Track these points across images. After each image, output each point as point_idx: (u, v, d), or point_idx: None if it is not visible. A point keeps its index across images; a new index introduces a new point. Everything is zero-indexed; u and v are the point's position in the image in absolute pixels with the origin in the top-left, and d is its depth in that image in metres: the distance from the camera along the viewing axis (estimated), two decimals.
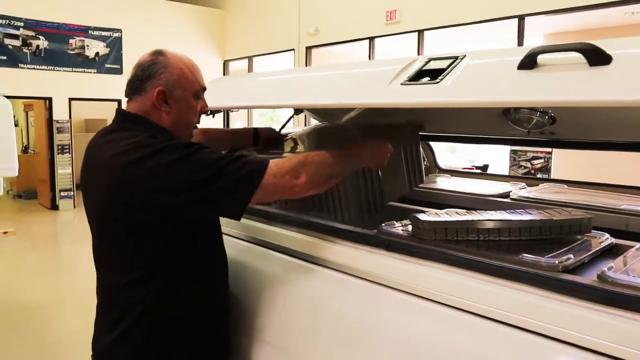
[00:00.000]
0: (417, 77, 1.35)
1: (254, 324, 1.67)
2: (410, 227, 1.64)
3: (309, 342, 1.52)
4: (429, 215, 1.62)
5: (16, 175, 4.78)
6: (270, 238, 1.75)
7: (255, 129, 2.08)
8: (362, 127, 1.99)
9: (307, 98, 1.69)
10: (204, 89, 1.60)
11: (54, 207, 10.41)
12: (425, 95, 1.28)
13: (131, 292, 1.46)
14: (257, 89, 2.02)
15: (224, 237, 1.68)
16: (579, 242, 1.53)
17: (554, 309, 1.09)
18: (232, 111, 2.18)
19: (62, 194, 10.43)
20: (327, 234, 1.61)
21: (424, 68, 1.37)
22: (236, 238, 1.86)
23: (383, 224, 1.71)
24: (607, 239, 1.56)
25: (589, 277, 1.22)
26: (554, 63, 1.08)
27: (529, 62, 1.10)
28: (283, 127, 2.56)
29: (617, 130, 1.85)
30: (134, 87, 1.52)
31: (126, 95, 1.55)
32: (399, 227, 1.69)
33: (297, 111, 2.52)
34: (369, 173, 1.86)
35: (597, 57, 0.99)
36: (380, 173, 1.93)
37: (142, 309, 1.45)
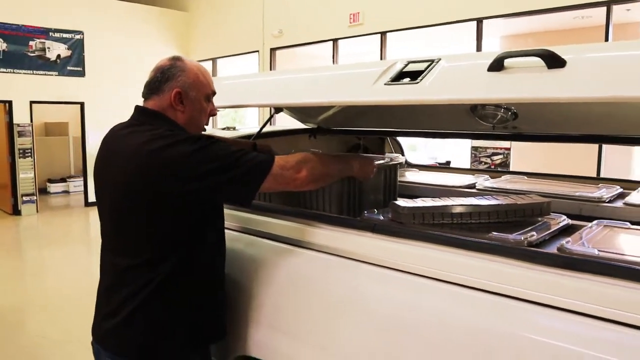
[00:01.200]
0: (398, 77, 1.53)
1: (252, 306, 1.81)
2: (390, 214, 1.82)
3: (306, 318, 1.67)
4: (407, 202, 1.80)
5: None
6: (266, 228, 1.89)
7: (255, 144, 2.21)
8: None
9: (297, 97, 1.84)
10: (214, 93, 1.77)
11: (16, 212, 10.22)
12: (406, 94, 1.45)
13: (141, 273, 1.57)
14: (244, 89, 2.16)
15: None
16: (540, 223, 1.73)
17: (525, 275, 1.26)
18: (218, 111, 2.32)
19: (25, 198, 10.24)
20: (317, 221, 1.77)
21: (404, 70, 1.54)
22: (234, 230, 1.99)
23: (365, 212, 1.88)
24: (564, 220, 1.78)
25: (550, 250, 1.42)
26: (518, 66, 1.26)
27: (497, 65, 1.29)
28: (263, 127, 2.71)
29: (572, 124, 2.06)
30: (153, 88, 1.67)
31: (143, 96, 1.70)
32: (379, 214, 1.86)
33: (277, 110, 2.66)
34: (352, 186, 2.04)
35: (553, 61, 1.18)
36: (362, 187, 2.12)
37: (150, 290, 1.56)
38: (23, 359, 3.99)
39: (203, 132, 1.78)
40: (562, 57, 1.18)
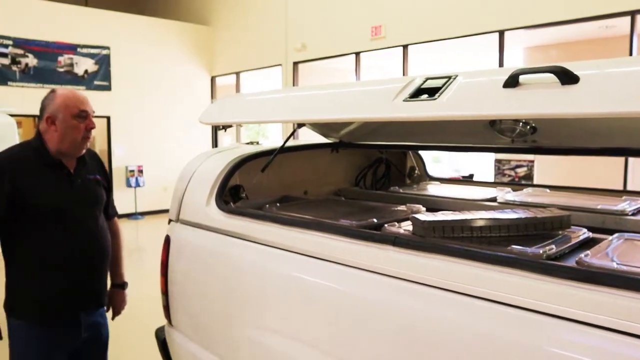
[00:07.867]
0: (416, 94, 1.56)
1: (275, 320, 1.84)
2: (410, 227, 1.84)
3: (329, 331, 1.70)
4: (427, 216, 1.82)
5: None
6: (288, 241, 1.92)
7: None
8: None
9: (319, 113, 1.89)
10: (84, 111, 2.24)
11: None
12: (425, 110, 1.48)
13: (6, 254, 2.23)
14: (266, 105, 2.21)
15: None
16: (560, 236, 1.74)
17: (543, 288, 1.27)
18: (241, 126, 2.36)
19: None
20: (335, 234, 1.80)
21: (422, 86, 1.58)
22: (266, 245, 2.04)
23: (385, 224, 1.91)
24: (584, 234, 1.78)
25: (569, 263, 1.43)
26: (532, 82, 1.29)
27: (512, 82, 1.32)
28: (286, 142, 2.75)
29: (592, 137, 2.07)
30: (39, 115, 2.24)
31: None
32: (399, 227, 1.89)
33: (299, 125, 2.71)
34: None
35: (567, 77, 1.20)
36: None
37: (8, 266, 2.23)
38: None
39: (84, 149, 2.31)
40: (575, 73, 1.20)
